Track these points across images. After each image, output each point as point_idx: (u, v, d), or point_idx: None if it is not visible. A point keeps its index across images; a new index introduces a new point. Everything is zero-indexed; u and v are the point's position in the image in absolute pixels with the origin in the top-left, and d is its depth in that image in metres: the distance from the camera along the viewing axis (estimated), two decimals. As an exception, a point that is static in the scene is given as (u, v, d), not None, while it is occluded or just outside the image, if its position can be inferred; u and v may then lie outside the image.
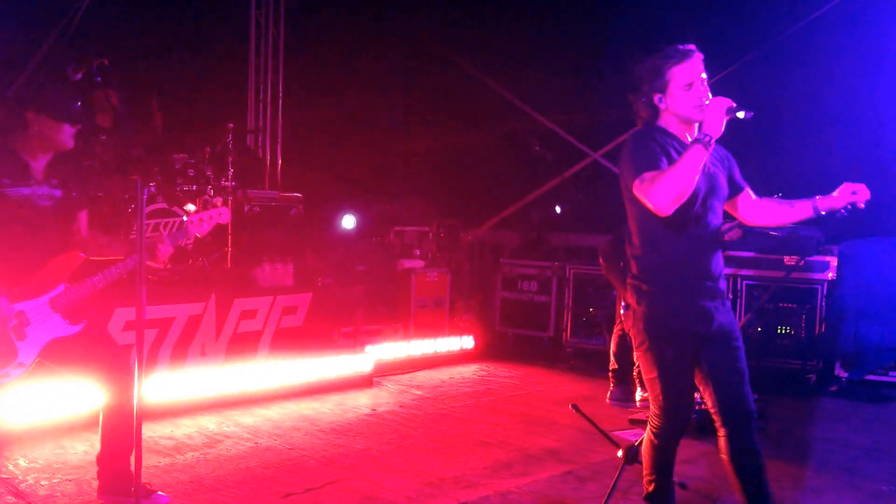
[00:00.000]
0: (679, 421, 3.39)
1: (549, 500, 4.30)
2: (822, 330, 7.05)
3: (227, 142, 7.33)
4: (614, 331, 6.38)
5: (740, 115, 3.08)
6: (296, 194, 8.55)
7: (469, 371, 7.54)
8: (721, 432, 3.36)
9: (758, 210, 3.59)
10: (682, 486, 4.40)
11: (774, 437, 5.57)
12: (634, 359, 6.14)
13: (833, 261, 7.10)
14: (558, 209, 10.32)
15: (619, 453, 4.19)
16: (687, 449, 5.16)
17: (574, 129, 10.25)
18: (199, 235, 4.05)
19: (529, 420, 5.87)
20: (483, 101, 10.60)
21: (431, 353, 7.67)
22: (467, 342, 8.00)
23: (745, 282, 7.34)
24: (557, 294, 8.28)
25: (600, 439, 5.21)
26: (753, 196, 3.59)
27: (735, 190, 3.51)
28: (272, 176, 10.02)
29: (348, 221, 8.60)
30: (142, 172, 3.40)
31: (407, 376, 7.17)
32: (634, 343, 3.44)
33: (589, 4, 10.15)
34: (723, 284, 3.42)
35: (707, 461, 4.97)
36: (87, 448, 4.71)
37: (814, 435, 5.68)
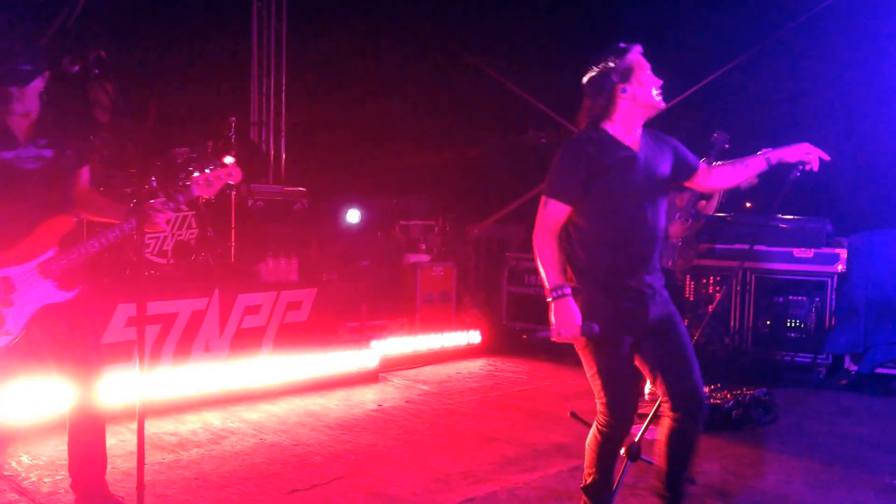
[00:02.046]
0: (625, 413, 3.43)
1: (556, 495, 4.25)
2: (832, 323, 6.99)
3: (229, 135, 7.28)
4: None
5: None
6: (299, 188, 8.51)
7: (476, 366, 7.49)
8: (671, 416, 3.46)
9: (716, 176, 3.64)
10: (691, 480, 4.34)
11: (783, 431, 5.54)
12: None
13: (843, 253, 7.04)
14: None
15: (622, 451, 4.16)
16: (695, 443, 5.14)
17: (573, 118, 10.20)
18: (205, 197, 3.87)
19: (537, 415, 5.83)
20: (489, 94, 10.54)
21: (438, 348, 7.63)
22: (474, 337, 7.96)
23: (753, 275, 7.28)
24: (564, 288, 8.20)
25: (608, 434, 5.18)
26: (709, 167, 3.66)
27: (689, 171, 3.59)
28: (276, 170, 9.97)
29: (353, 216, 8.56)
30: (141, 167, 3.26)
31: (413, 371, 7.14)
32: (579, 346, 3.46)
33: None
34: (656, 279, 3.47)
35: (715, 456, 4.93)
36: (90, 445, 4.67)
37: (823, 429, 5.63)
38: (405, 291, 8.03)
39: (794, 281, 7.17)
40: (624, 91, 3.33)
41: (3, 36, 3.54)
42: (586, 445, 3.58)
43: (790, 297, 7.19)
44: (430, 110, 10.44)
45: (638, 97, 3.34)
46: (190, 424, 5.32)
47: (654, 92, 3.38)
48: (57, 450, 4.65)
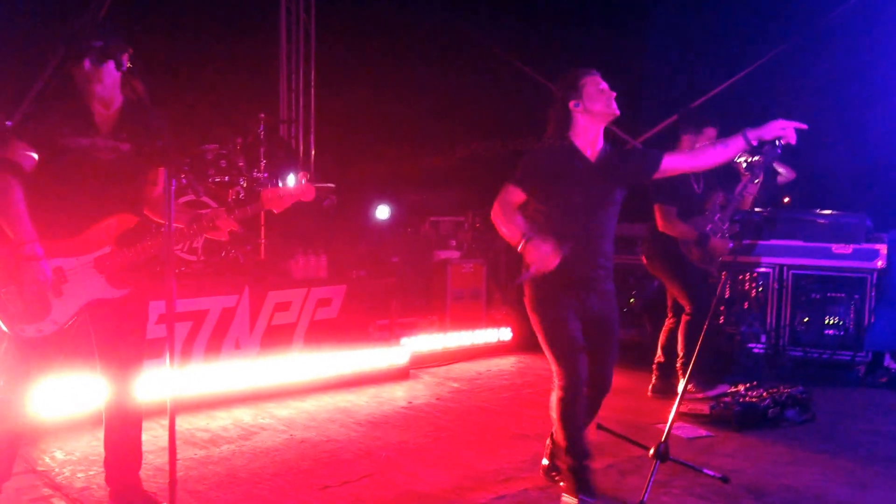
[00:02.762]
0: (578, 375, 3.91)
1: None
2: (872, 320, 6.86)
3: (258, 132, 7.28)
4: (666, 323, 6.25)
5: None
6: (329, 185, 8.50)
7: (506, 363, 7.44)
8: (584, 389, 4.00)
9: (692, 158, 4.13)
10: (725, 479, 4.29)
11: (821, 429, 5.44)
12: (678, 349, 6.03)
13: (883, 248, 6.89)
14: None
15: (651, 452, 4.17)
16: (730, 442, 5.08)
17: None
18: (275, 211, 3.79)
19: (568, 412, 5.75)
20: (521, 89, 10.46)
21: (468, 345, 7.58)
22: (504, 334, 7.90)
23: (791, 271, 7.15)
24: (596, 285, 8.12)
25: (642, 433, 5.11)
26: (684, 151, 4.21)
27: (653, 165, 4.00)
28: (305, 166, 9.98)
29: (382, 212, 8.54)
30: (169, 162, 3.23)
31: (443, 369, 7.10)
32: (532, 319, 4.01)
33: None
34: (602, 274, 3.98)
35: (750, 455, 4.85)
36: (122, 440, 4.69)
37: (862, 427, 5.52)
38: (435, 288, 7.99)
39: (833, 277, 7.02)
40: (577, 105, 3.87)
41: (71, 18, 3.52)
42: (553, 417, 4.02)
43: (828, 294, 7.04)
44: (462, 105, 10.38)
45: (590, 108, 3.86)
46: (221, 421, 5.33)
47: (607, 102, 3.85)
48: (90, 445, 4.67)
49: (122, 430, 3.75)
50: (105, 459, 3.80)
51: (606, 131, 4.00)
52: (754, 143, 3.89)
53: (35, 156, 3.40)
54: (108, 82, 3.46)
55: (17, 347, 3.47)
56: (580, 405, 3.96)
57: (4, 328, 3.43)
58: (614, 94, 3.89)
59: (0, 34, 6.45)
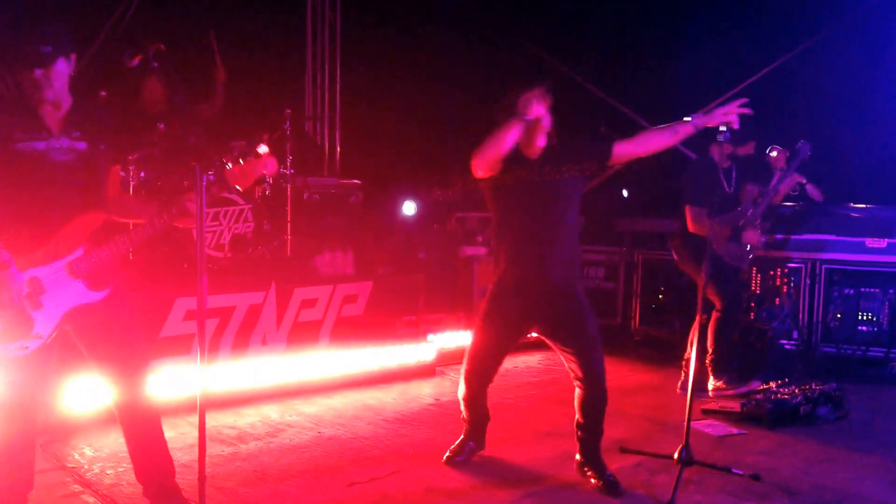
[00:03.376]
0: (475, 383, 4.50)
1: (617, 490, 4.14)
2: (906, 316, 6.75)
3: (284, 128, 7.29)
4: (696, 319, 6.18)
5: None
6: (355, 181, 8.49)
7: (534, 360, 7.39)
8: (580, 386, 4.27)
9: (641, 143, 4.17)
10: (755, 477, 4.24)
11: (854, 427, 5.37)
12: (708, 346, 5.96)
13: (918, 242, 6.79)
14: (625, 193, 10.07)
15: (675, 455, 4.16)
16: (762, 440, 5.02)
17: (642, 110, 10.01)
18: (240, 189, 3.66)
19: (596, 410, 5.71)
20: (549, 84, 10.39)
21: (495, 342, 7.53)
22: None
23: (824, 266, 7.03)
24: (625, 280, 8.08)
25: (672, 431, 5.06)
26: (626, 141, 4.14)
27: (605, 153, 4.12)
28: (331, 163, 9.99)
29: (408, 208, 8.52)
30: (200, 159, 3.19)
31: (470, 365, 7.07)
32: (478, 310, 4.41)
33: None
34: (560, 270, 4.15)
35: (783, 453, 4.79)
36: (150, 437, 4.70)
37: (896, 425, 5.44)
38: (462, 284, 7.96)
39: (867, 272, 6.90)
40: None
41: (25, 22, 3.39)
42: (459, 397, 4.58)
43: (862, 289, 6.91)
44: (488, 101, 10.32)
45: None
46: (248, 417, 5.34)
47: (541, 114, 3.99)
48: (118, 442, 4.66)
49: (140, 434, 3.63)
50: (134, 465, 3.72)
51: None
52: (700, 127, 4.03)
53: None
54: (58, 85, 3.34)
55: (5, 368, 3.33)
56: (478, 397, 4.56)
57: None
58: (548, 104, 4.06)
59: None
